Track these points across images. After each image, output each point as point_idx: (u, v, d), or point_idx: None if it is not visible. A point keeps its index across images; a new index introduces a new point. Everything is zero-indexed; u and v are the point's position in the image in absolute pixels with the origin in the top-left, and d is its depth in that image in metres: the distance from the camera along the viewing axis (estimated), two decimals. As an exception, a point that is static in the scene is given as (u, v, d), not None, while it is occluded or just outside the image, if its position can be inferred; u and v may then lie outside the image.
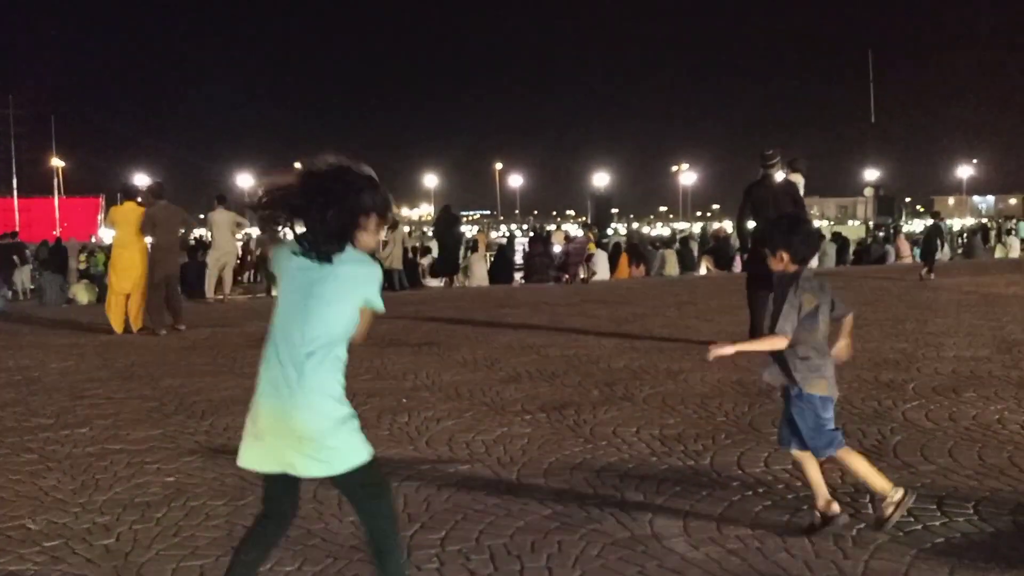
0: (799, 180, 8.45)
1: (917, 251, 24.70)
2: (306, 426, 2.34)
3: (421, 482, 4.11)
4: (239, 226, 14.85)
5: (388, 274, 16.74)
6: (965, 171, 74.95)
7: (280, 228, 2.47)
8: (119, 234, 10.22)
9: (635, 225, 66.34)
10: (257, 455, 2.44)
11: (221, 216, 14.13)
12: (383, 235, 2.53)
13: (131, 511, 3.82)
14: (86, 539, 3.51)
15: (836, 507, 3.33)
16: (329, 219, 2.35)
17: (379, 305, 2.44)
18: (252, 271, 18.97)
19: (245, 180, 63.07)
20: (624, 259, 19.63)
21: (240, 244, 16.73)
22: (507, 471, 4.26)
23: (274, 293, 13.64)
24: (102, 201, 42.18)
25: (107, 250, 16.57)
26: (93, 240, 33.62)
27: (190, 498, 3.97)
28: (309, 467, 2.38)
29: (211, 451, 4.78)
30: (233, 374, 7.22)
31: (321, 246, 2.36)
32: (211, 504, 3.88)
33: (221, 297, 14.12)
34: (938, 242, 17.39)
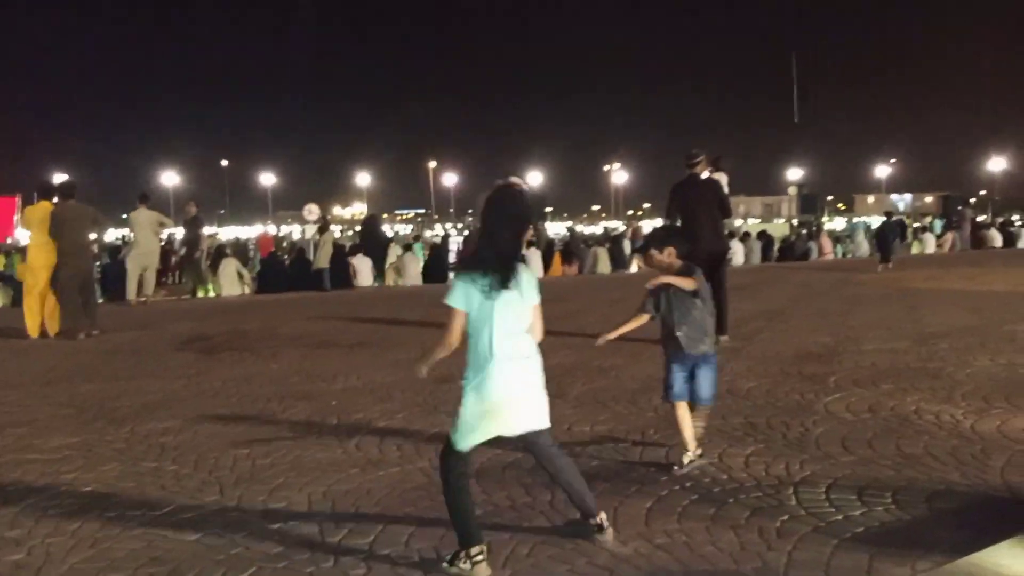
0: (723, 178, 8.63)
1: (839, 248, 25.57)
2: (543, 394, 3.16)
3: (350, 486, 4.04)
4: (162, 226, 14.42)
5: (316, 273, 16.49)
6: (883, 171, 77.71)
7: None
8: (34, 235, 9.82)
9: (568, 223, 66.87)
10: (507, 426, 3.13)
11: (144, 216, 13.70)
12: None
13: (44, 523, 3.66)
14: (-6, 555, 3.34)
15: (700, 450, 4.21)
16: (506, 249, 3.07)
17: (538, 301, 3.17)
18: (176, 272, 18.44)
19: (170, 178, 61.45)
20: (557, 257, 19.76)
21: (163, 244, 16.25)
22: (438, 472, 4.21)
23: (200, 295, 13.23)
24: (18, 200, 40.34)
25: (23, 251, 15.88)
26: (9, 241, 32.19)
27: (107, 509, 3.82)
28: (543, 421, 3.17)
29: (131, 459, 4.62)
30: (156, 378, 6.99)
31: (509, 278, 3.05)
32: (129, 515, 3.74)
33: (143, 299, 13.69)
34: (893, 237, 19.58)
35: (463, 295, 3.08)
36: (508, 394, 3.05)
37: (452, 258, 21.31)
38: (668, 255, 4.18)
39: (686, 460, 4.11)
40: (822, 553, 3.13)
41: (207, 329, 10.06)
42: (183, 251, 16.91)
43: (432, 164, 79.52)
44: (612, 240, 23.75)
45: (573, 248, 21.19)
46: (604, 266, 20.18)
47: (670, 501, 3.70)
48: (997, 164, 59.86)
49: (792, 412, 5.20)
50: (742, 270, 19.09)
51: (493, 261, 3.04)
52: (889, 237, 18.99)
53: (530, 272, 3.17)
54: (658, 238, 4.39)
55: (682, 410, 4.15)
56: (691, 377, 4.15)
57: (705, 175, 8.15)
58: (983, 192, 68.74)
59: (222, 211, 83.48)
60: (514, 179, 3.22)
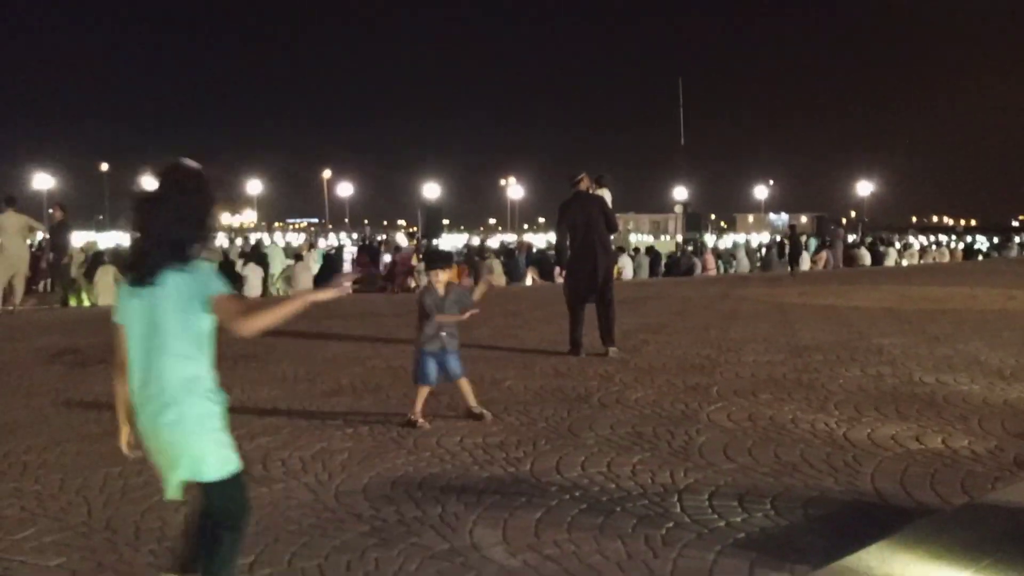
0: (607, 194, 8.83)
1: (722, 265, 26.56)
2: (190, 441, 2.52)
3: (231, 503, 3.87)
4: (32, 230, 13.59)
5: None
6: (762, 192, 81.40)
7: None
8: None
9: (466, 236, 66.96)
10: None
11: (11, 220, 12.86)
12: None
13: None
14: None
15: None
16: (163, 228, 2.43)
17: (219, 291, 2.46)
18: (47, 280, 17.37)
19: (44, 181, 57.87)
20: (455, 270, 19.70)
21: (33, 250, 15.30)
22: (325, 488, 4.10)
23: (72, 304, 12.50)
24: None
25: None
26: None
27: (-41, 534, 3.52)
28: (197, 472, 2.51)
29: (-12, 480, 4.28)
30: (20, 393, 6.54)
31: (144, 273, 2.41)
32: (-16, 539, 3.46)
33: (11, 308, 12.83)
34: (800, 248, 23.52)
35: (119, 305, 2.51)
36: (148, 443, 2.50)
37: (348, 268, 20.94)
38: (436, 275, 5.43)
39: (420, 423, 5.24)
40: (705, 560, 3.20)
41: (80, 341, 9.49)
42: (51, 257, 15.94)
43: (327, 174, 78.22)
44: (507, 253, 23.92)
45: (472, 260, 21.20)
46: (500, 278, 20.26)
47: (559, 511, 3.72)
48: (865, 188, 63.78)
49: (677, 421, 5.33)
50: (630, 284, 19.57)
51: (137, 254, 2.46)
52: (798, 248, 22.67)
53: (203, 269, 2.46)
54: (431, 260, 5.83)
55: (425, 392, 5.35)
56: (441, 366, 5.33)
57: (590, 192, 8.33)
58: (853, 213, 73.07)
59: (100, 216, 79.37)
60: (186, 160, 2.62)
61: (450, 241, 42.68)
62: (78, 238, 20.77)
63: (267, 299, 3.34)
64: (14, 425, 5.46)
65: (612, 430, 5.13)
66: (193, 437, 2.43)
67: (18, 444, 4.97)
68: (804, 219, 65.81)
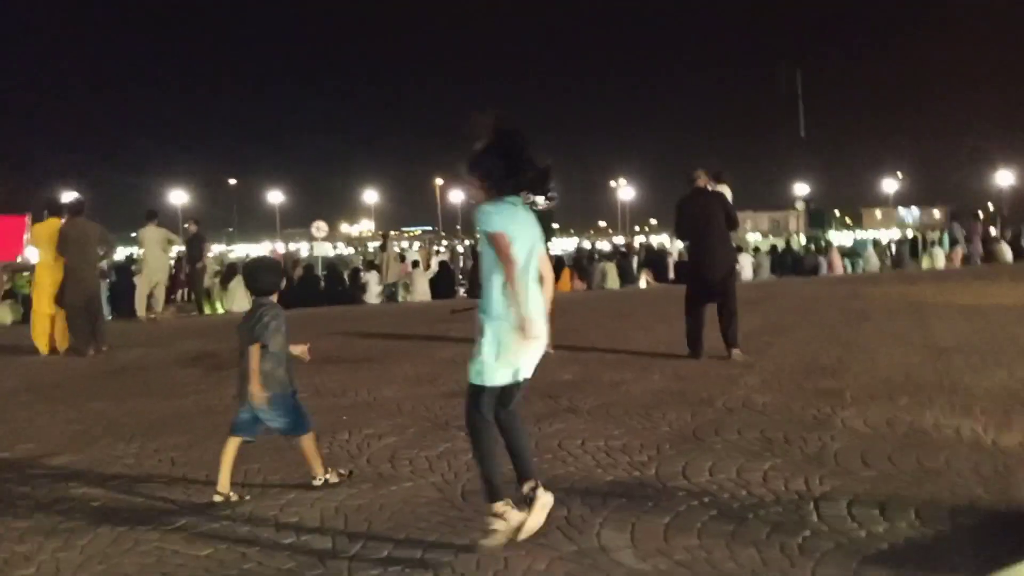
0: (726, 190, 8.47)
1: (848, 263, 25.41)
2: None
3: (362, 501, 3.98)
4: (171, 243, 14.45)
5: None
6: (891, 185, 77.37)
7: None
8: (43, 253, 9.82)
9: (576, 240, 66.83)
10: (509, 372, 3.30)
11: (152, 233, 13.74)
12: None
13: (53, 538, 3.61)
14: (3, 570, 3.30)
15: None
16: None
17: None
18: (185, 290, 18.45)
19: (178, 197, 61.58)
20: (567, 273, 19.71)
21: (172, 261, 16.28)
22: (451, 487, 4.16)
23: (207, 312, 13.14)
24: (28, 219, 40.43)
25: (32, 269, 15.91)
26: (20, 259, 32.30)
27: (117, 524, 3.77)
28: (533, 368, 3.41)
29: (140, 475, 4.57)
30: (162, 396, 6.95)
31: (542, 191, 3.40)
32: (139, 529, 3.69)
33: (153, 316, 13.70)
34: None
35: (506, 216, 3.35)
36: (539, 329, 3.25)
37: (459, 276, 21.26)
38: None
39: (216, 499, 4.03)
40: (846, 569, 3.05)
41: (216, 346, 10.02)
42: (188, 269, 16.92)
43: (439, 182, 79.79)
44: (621, 255, 23.72)
45: (583, 263, 21.14)
46: (613, 281, 20.12)
47: (688, 517, 3.63)
48: (1005, 178, 59.53)
49: (809, 426, 5.12)
50: (751, 284, 19.02)
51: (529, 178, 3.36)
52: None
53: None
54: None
55: (233, 446, 4.11)
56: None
57: (708, 189, 8.06)
58: (991, 206, 68.41)
59: (231, 229, 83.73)
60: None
61: (560, 244, 42.69)
62: (211, 250, 21.96)
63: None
64: (161, 424, 5.81)
65: (740, 435, 4.99)
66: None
67: (165, 441, 5.28)
68: (936, 213, 62.18)
